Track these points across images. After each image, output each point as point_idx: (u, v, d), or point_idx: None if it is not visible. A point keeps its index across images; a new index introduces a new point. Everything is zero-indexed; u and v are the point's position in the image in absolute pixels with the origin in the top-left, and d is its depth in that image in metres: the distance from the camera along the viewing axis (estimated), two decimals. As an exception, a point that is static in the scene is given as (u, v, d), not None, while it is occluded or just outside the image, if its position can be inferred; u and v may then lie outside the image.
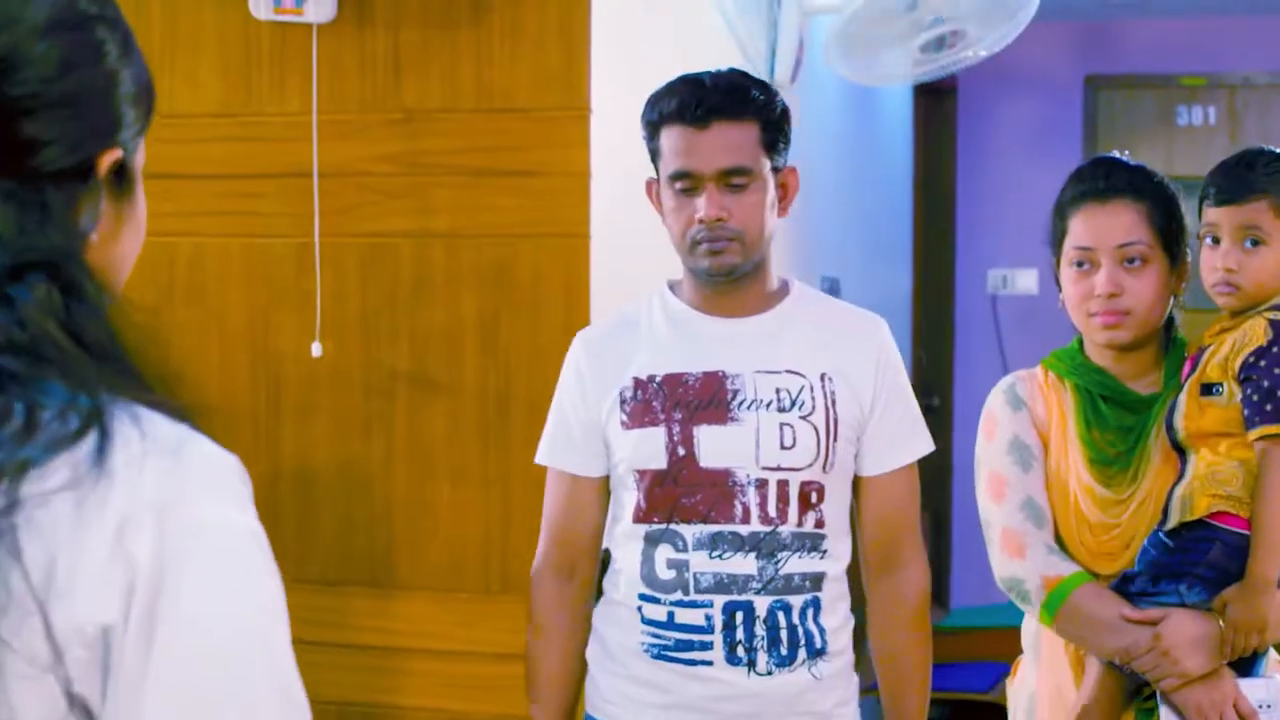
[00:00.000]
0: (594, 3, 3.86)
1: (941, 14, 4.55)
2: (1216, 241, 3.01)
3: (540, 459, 3.21)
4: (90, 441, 1.21)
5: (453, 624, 3.91)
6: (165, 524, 1.21)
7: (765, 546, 2.99)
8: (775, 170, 3.06)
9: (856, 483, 3.13)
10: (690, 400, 3.03)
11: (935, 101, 8.50)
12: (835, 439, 3.03)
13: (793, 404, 3.02)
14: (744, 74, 3.09)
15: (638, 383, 3.07)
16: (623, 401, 3.07)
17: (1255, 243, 2.97)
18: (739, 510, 3.00)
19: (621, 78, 3.99)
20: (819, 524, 3.03)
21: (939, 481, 7.97)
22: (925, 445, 3.17)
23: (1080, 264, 3.08)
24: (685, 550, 3.01)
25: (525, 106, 3.89)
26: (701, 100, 3.00)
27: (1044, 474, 3.12)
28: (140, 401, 1.27)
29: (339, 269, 4.00)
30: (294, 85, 4.01)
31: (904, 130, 7.99)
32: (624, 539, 3.10)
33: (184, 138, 4.02)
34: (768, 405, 3.02)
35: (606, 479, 3.16)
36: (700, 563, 3.00)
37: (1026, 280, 8.47)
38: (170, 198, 4.00)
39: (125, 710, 1.20)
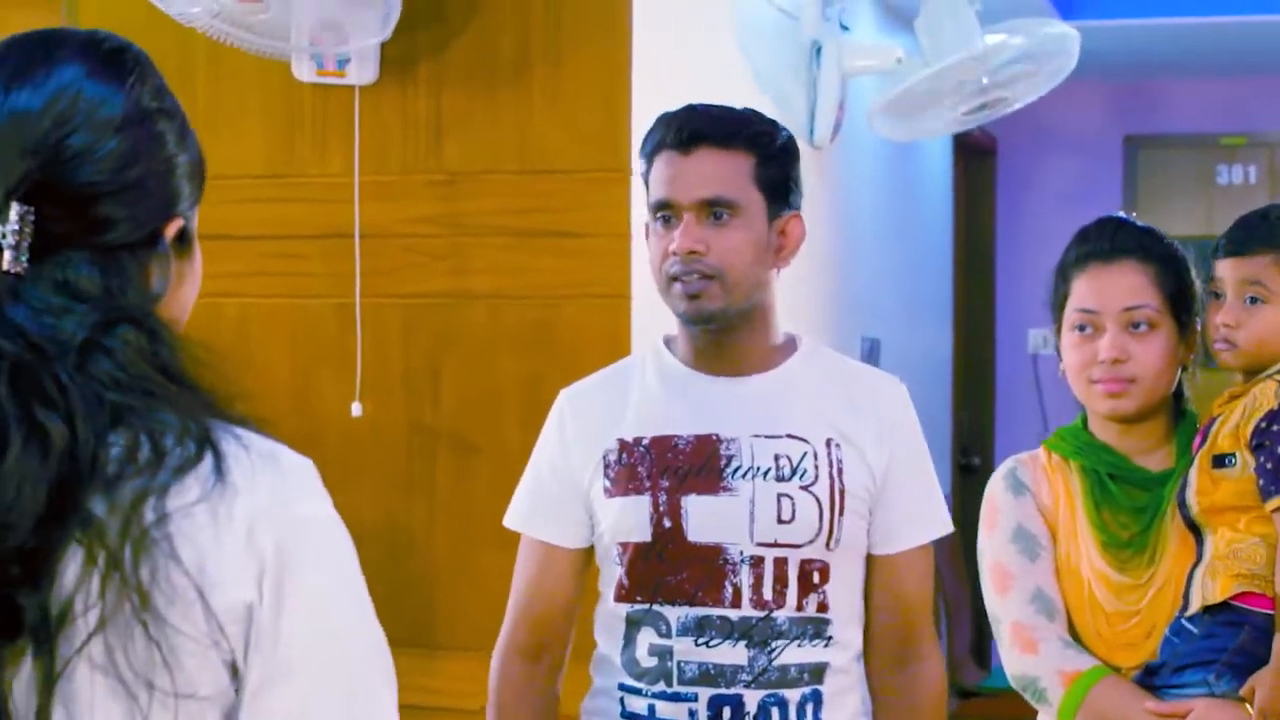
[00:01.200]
0: (634, 64, 3.88)
1: (983, 79, 4.56)
2: (1218, 296, 2.87)
3: (511, 523, 2.91)
4: (208, 461, 1.50)
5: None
6: (279, 521, 1.53)
7: (757, 634, 2.67)
8: (775, 215, 2.76)
9: (868, 562, 2.80)
10: (680, 466, 2.71)
11: (975, 161, 8.50)
12: (841, 512, 2.71)
13: (793, 472, 2.71)
14: (750, 110, 2.85)
15: (623, 445, 2.76)
16: (606, 465, 2.76)
17: (1255, 300, 2.83)
18: (729, 591, 2.68)
19: (662, 139, 4.00)
20: (822, 607, 2.71)
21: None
22: (944, 525, 2.86)
23: (1082, 328, 2.90)
24: (669, 635, 2.70)
25: (566, 168, 3.90)
26: (685, 124, 2.74)
27: (1053, 563, 2.91)
28: (229, 420, 1.56)
29: (380, 329, 4.02)
30: (336, 147, 4.03)
31: (944, 190, 7.99)
32: (606, 620, 2.80)
33: (227, 199, 4.04)
34: (765, 473, 2.70)
35: (584, 552, 2.84)
36: (685, 650, 2.68)
37: (1068, 340, 8.43)
38: (213, 258, 3.98)
39: (265, 662, 1.51)
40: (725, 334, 2.76)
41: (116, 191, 1.55)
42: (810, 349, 2.87)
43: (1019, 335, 8.65)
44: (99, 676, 1.47)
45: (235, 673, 1.52)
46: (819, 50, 4.99)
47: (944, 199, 8.01)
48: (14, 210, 1.51)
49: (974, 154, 8.42)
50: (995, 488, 2.98)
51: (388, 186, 4.02)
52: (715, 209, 2.70)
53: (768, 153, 2.75)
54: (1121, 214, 3.06)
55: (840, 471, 2.72)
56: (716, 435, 2.73)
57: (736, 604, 2.68)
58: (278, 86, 4.05)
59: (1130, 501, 2.89)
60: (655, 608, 2.71)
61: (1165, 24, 7.28)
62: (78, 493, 1.46)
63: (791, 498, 2.70)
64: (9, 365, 1.47)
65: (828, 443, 2.73)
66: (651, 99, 3.93)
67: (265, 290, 4.09)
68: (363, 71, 3.93)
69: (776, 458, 2.71)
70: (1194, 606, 2.75)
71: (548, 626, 2.87)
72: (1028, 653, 2.86)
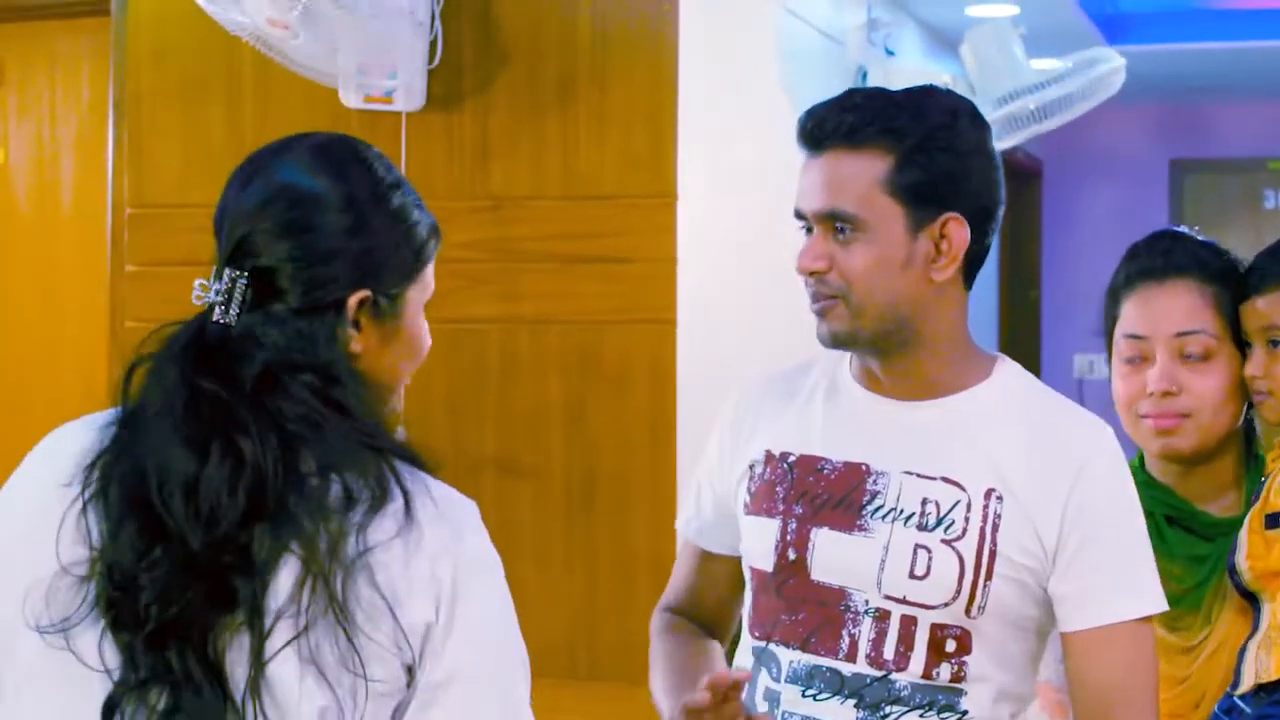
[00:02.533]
0: (680, 89, 3.89)
1: (1030, 106, 4.57)
2: (1251, 346, 2.57)
3: (677, 524, 2.64)
4: (400, 502, 1.81)
5: (539, 709, 3.88)
6: (455, 556, 1.83)
7: (870, 695, 2.29)
8: (923, 223, 2.30)
9: (1062, 641, 2.34)
10: (819, 494, 2.35)
11: (1021, 184, 8.49)
12: (989, 576, 2.27)
13: (938, 523, 2.29)
14: (919, 90, 2.36)
15: (769, 458, 2.41)
16: (750, 477, 2.43)
17: (1276, 344, 2.53)
18: (845, 643, 2.31)
19: (708, 164, 4.01)
20: (958, 679, 2.29)
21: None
22: (1151, 601, 2.31)
23: (1131, 358, 2.60)
24: (778, 680, 2.36)
25: (612, 193, 3.91)
26: (814, 115, 2.32)
27: None
28: (395, 454, 1.86)
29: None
30: (383, 172, 4.05)
31: (989, 214, 7.98)
32: (741, 652, 2.47)
33: (275, 224, 4.06)
34: (907, 519, 2.31)
35: (738, 560, 2.51)
36: (791, 700, 2.34)
37: (1113, 364, 8.42)
38: (261, 283, 4.04)
39: (432, 672, 1.81)
40: (881, 356, 2.37)
41: (310, 264, 1.86)
42: (1005, 377, 2.41)
43: (1064, 360, 8.63)
44: (305, 667, 1.77)
45: (410, 672, 1.81)
46: (864, 75, 4.99)
47: (989, 223, 8.00)
48: (226, 274, 1.85)
49: (1019, 177, 8.41)
50: None
51: (433, 211, 4.00)
52: (836, 222, 2.29)
53: (911, 150, 2.28)
54: (1181, 228, 2.74)
55: (995, 529, 2.28)
56: (866, 466, 2.35)
57: (851, 658, 2.31)
58: (325, 113, 4.07)
59: (1187, 550, 2.59)
60: (771, 647, 2.38)
61: (1212, 48, 7.27)
62: (271, 501, 1.76)
63: (930, 551, 2.29)
64: (210, 398, 1.79)
65: (988, 493, 2.30)
66: (697, 124, 3.94)
67: (312, 314, 4.11)
68: (410, 98, 3.95)
69: (924, 502, 2.31)
70: (1246, 684, 2.41)
71: (700, 611, 2.60)
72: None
